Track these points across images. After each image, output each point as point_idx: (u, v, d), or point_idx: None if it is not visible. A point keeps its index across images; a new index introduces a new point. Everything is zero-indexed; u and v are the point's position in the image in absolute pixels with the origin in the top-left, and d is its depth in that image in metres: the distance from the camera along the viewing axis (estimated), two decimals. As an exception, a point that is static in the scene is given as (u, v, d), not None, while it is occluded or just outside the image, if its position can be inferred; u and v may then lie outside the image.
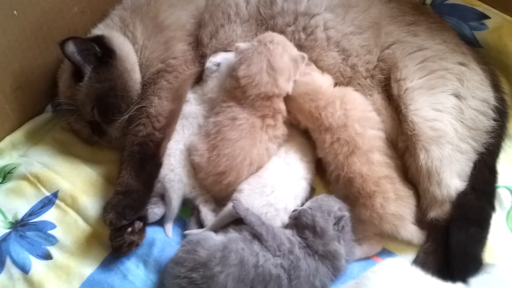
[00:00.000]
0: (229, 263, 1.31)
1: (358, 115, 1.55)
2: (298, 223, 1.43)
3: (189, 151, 1.59)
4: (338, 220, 1.41)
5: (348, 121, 1.54)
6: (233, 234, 1.41)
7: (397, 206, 1.45)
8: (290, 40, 1.70)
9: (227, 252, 1.33)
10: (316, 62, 1.70)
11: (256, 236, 1.39)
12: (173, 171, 1.57)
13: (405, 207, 1.47)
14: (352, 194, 1.49)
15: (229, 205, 1.45)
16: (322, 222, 1.39)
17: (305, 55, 1.62)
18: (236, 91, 1.57)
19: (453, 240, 1.42)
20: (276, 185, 1.51)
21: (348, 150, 1.51)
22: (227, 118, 1.55)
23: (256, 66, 1.55)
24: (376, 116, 1.60)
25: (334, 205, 1.45)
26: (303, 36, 1.71)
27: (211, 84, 1.69)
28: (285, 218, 1.49)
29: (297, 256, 1.36)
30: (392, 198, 1.46)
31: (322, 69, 1.69)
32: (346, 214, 1.43)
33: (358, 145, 1.51)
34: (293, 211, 1.48)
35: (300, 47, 1.70)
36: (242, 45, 1.62)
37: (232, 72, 1.61)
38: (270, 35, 1.63)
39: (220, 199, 1.56)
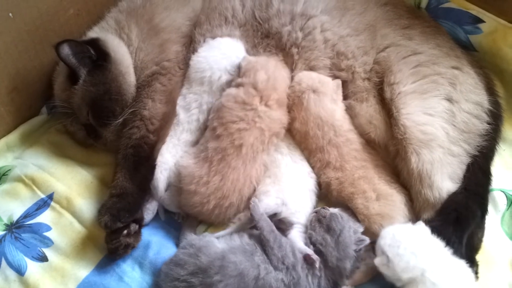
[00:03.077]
0: (228, 273, 1.30)
1: (341, 140, 1.59)
2: (325, 223, 1.41)
3: (183, 178, 1.54)
4: (360, 242, 1.40)
5: (329, 148, 1.58)
6: (234, 242, 1.40)
7: (381, 206, 1.47)
8: (287, 40, 1.72)
9: (226, 262, 1.32)
10: (312, 64, 1.71)
11: (261, 245, 1.39)
12: (162, 155, 1.60)
13: (391, 206, 1.48)
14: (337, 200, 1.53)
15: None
16: (348, 237, 1.38)
17: (340, 82, 1.67)
18: (254, 99, 1.60)
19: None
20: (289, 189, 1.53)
21: (322, 165, 1.58)
22: (233, 146, 1.54)
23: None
24: (355, 135, 1.62)
25: (360, 227, 1.43)
26: (300, 35, 1.71)
27: (201, 49, 1.72)
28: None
29: (298, 273, 1.34)
30: (373, 197, 1.48)
31: (315, 70, 1.71)
32: (367, 239, 1.40)
33: (331, 163, 1.57)
34: (323, 207, 1.47)
35: (296, 47, 1.71)
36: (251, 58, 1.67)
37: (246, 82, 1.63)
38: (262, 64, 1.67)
39: (218, 223, 1.55)
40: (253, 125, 1.56)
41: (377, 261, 1.33)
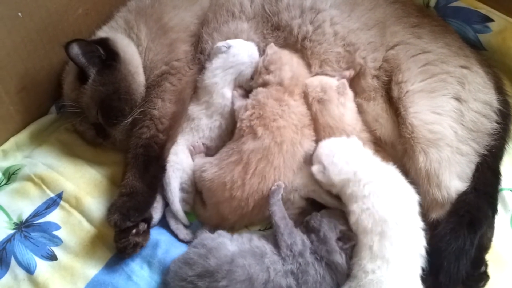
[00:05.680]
0: (236, 278, 1.29)
1: None
2: (308, 225, 1.42)
3: (213, 191, 1.53)
4: (343, 235, 1.39)
5: None
6: (244, 246, 1.39)
7: None
8: (297, 34, 1.72)
9: (234, 266, 1.31)
10: (323, 58, 1.71)
11: (272, 241, 1.39)
12: (177, 155, 1.60)
13: None
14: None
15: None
16: (327, 230, 1.38)
17: (346, 82, 1.64)
18: (284, 95, 1.60)
19: (439, 233, 1.42)
20: None
21: None
22: (275, 143, 1.51)
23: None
24: (368, 134, 1.63)
25: (343, 223, 1.42)
26: (310, 28, 1.71)
27: (215, 64, 1.69)
28: None
29: (306, 260, 1.34)
30: None
31: (327, 64, 1.71)
32: (353, 240, 1.39)
33: None
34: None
35: (306, 41, 1.71)
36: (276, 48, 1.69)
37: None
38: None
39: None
40: (290, 121, 1.55)
41: (314, 168, 1.46)
